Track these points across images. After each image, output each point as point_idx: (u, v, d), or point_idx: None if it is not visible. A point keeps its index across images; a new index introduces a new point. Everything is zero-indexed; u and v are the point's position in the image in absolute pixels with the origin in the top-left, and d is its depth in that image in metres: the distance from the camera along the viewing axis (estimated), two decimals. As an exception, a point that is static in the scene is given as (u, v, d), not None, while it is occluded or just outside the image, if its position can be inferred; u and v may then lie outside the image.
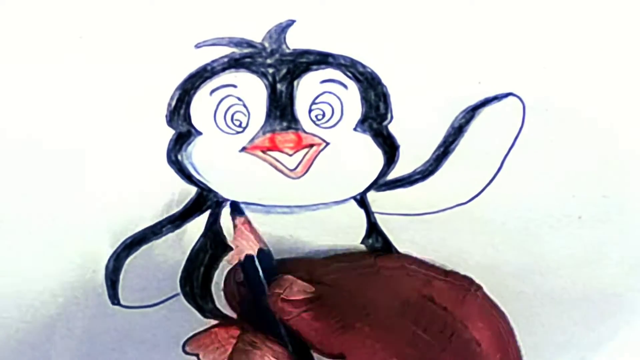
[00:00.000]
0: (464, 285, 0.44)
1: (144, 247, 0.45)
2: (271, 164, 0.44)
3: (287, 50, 0.42)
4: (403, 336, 0.41)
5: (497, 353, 0.43)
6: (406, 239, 0.46)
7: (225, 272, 0.46)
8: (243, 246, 0.44)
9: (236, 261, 0.44)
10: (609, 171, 0.45)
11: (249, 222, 0.44)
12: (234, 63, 0.42)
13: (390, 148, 0.44)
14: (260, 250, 0.44)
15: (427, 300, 0.44)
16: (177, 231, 0.45)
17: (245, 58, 0.42)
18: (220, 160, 0.44)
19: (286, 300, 0.42)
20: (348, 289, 0.43)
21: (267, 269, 0.44)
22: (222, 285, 0.46)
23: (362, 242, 0.46)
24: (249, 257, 0.44)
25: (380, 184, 0.45)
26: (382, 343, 0.40)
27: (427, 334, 0.41)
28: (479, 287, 0.45)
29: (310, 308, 0.42)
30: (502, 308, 0.44)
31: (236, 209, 0.45)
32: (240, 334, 0.43)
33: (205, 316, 0.48)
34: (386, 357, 0.40)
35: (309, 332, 0.41)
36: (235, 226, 0.44)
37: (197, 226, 0.45)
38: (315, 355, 0.43)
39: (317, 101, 0.43)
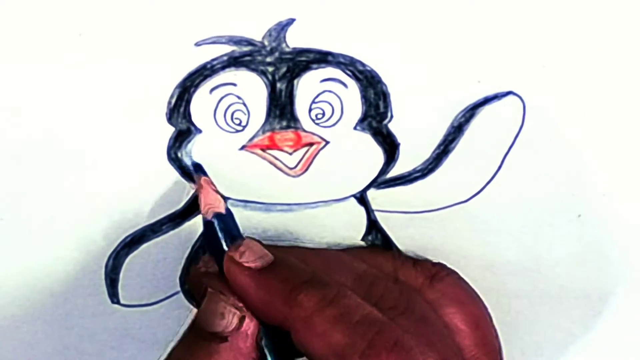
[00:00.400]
0: (433, 270, 0.44)
1: (144, 245, 0.45)
2: (271, 162, 0.44)
3: (287, 49, 0.42)
4: (346, 309, 0.39)
5: (472, 334, 0.42)
6: (406, 237, 0.46)
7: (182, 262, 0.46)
8: (211, 203, 0.43)
9: (209, 217, 0.43)
10: (609, 170, 0.45)
11: (212, 182, 0.44)
12: (234, 61, 0.42)
13: (390, 146, 0.44)
14: (227, 211, 0.43)
15: (384, 277, 0.43)
16: (177, 229, 0.45)
17: (245, 56, 0.42)
18: (220, 159, 0.44)
19: (237, 265, 0.41)
20: (302, 260, 0.42)
21: (230, 232, 0.42)
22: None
23: (361, 240, 0.46)
24: (216, 216, 0.43)
25: (380, 182, 0.45)
26: (325, 316, 0.38)
27: (380, 307, 0.40)
28: (452, 272, 0.44)
29: (257, 276, 0.40)
30: (478, 292, 0.44)
31: (199, 169, 0.44)
32: (210, 283, 0.42)
33: (204, 314, 0.48)
34: (329, 331, 0.38)
35: (252, 301, 0.40)
36: (199, 185, 0.43)
37: (197, 224, 0.45)
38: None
39: (317, 100, 0.43)
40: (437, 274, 0.44)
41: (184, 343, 0.41)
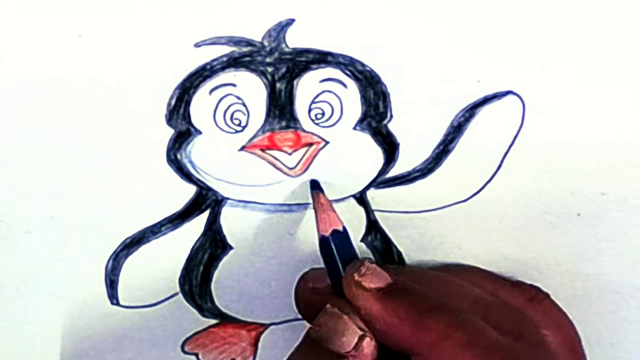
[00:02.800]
0: (532, 292, 0.45)
1: (143, 246, 0.45)
2: (270, 163, 0.44)
3: (287, 49, 0.42)
4: (474, 334, 0.39)
5: (569, 356, 0.43)
6: (406, 237, 0.47)
7: (296, 280, 0.46)
8: (329, 220, 0.43)
9: (325, 234, 0.43)
10: (608, 169, 0.45)
11: (329, 201, 0.44)
12: (234, 62, 0.42)
13: (389, 146, 0.44)
14: (344, 229, 0.43)
15: (497, 300, 0.44)
16: (177, 230, 0.45)
17: (245, 57, 0.42)
18: (219, 159, 0.44)
19: (360, 287, 0.41)
20: (421, 283, 0.42)
21: (345, 251, 0.43)
22: (292, 293, 0.46)
23: (361, 240, 0.46)
24: (333, 234, 0.43)
25: (380, 181, 0.45)
26: (453, 341, 0.39)
27: (498, 332, 0.40)
28: (547, 295, 0.45)
29: (384, 299, 0.40)
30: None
31: (317, 187, 0.44)
32: (331, 300, 0.42)
33: (204, 315, 0.48)
34: (457, 356, 0.39)
35: (379, 324, 0.40)
36: (318, 203, 0.43)
37: (196, 225, 0.45)
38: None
39: (316, 100, 0.43)
40: (536, 296, 0.45)
41: (298, 358, 0.41)
